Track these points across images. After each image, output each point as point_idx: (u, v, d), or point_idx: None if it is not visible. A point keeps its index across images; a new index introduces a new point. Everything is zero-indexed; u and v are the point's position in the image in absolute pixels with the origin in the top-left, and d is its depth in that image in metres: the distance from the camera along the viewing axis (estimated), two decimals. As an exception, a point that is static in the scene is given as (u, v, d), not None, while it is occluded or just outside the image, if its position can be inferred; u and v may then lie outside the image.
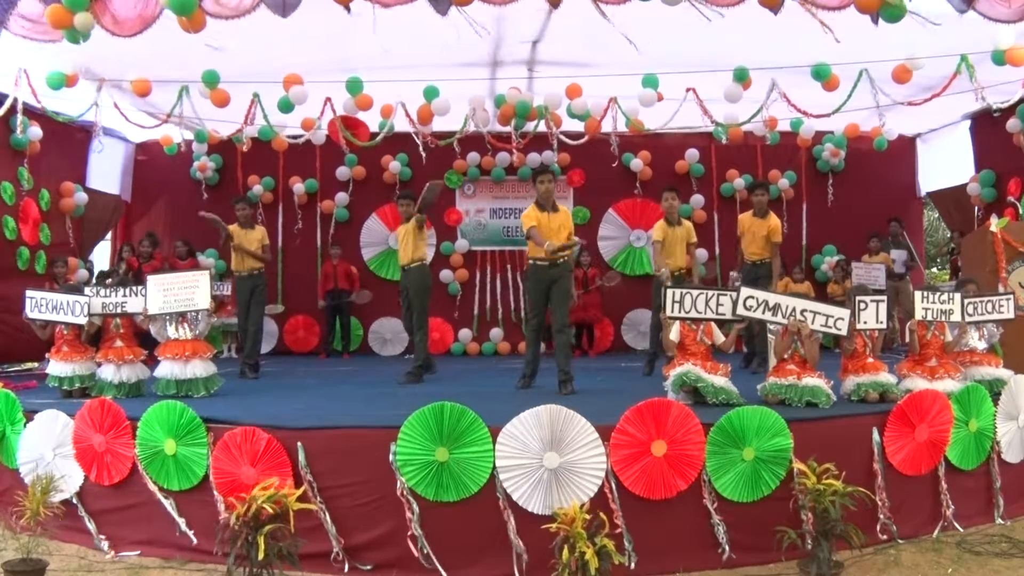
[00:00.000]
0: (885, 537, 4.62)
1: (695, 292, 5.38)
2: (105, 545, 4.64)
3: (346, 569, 4.28)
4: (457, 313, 11.08)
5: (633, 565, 4.21)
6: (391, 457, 4.26)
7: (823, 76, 7.13)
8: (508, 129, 8.48)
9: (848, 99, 7.33)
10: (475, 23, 5.56)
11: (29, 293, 6.13)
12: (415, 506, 4.23)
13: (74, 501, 4.78)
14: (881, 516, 4.61)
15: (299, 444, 4.34)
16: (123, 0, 5.51)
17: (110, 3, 5.51)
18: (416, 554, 4.20)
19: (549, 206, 6.21)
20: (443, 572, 4.23)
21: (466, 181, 11.16)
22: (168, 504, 4.54)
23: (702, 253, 10.91)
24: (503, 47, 7.56)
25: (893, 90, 7.34)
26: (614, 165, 10.44)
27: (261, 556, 3.71)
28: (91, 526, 4.73)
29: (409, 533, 4.22)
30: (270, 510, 3.86)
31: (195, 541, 4.48)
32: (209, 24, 5.51)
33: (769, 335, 5.75)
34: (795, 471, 4.34)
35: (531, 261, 6.35)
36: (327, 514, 4.28)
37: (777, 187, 11.10)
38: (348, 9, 5.34)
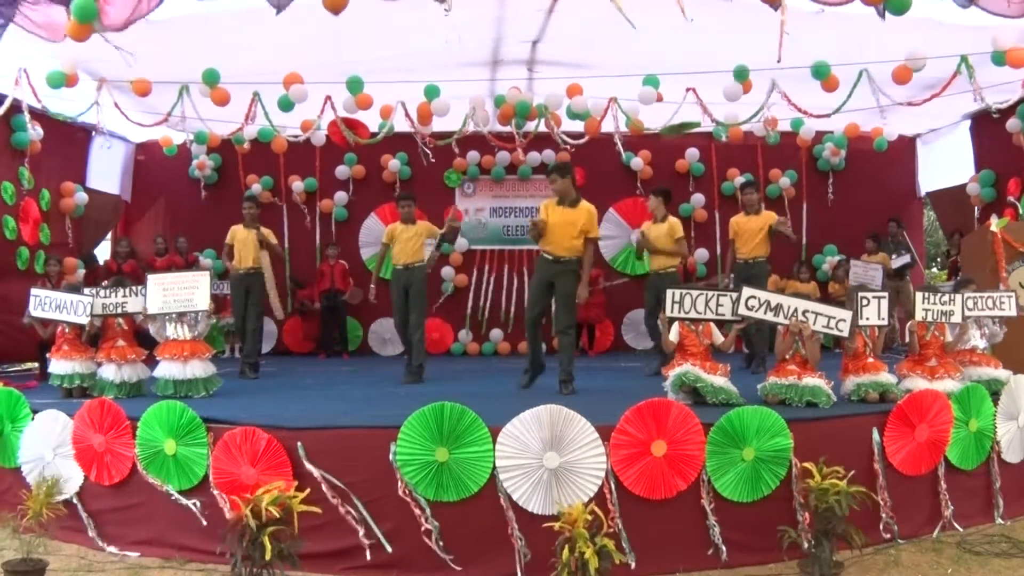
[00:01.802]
0: (888, 536, 4.61)
1: (695, 292, 5.39)
2: (108, 545, 4.64)
3: (368, 557, 4.26)
4: (457, 313, 11.07)
5: (633, 564, 4.20)
6: (391, 457, 4.26)
7: (823, 75, 7.13)
8: (508, 129, 8.49)
9: (848, 99, 7.33)
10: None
11: (33, 291, 6.15)
12: (422, 501, 4.23)
13: (74, 501, 4.78)
14: (883, 515, 4.60)
15: (299, 444, 4.34)
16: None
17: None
18: (432, 547, 4.21)
19: (567, 202, 6.26)
20: (450, 568, 4.24)
21: (465, 180, 11.16)
22: (173, 496, 4.53)
23: (701, 253, 10.95)
24: (503, 47, 7.56)
25: (893, 90, 7.34)
26: (623, 162, 10.47)
27: (269, 557, 3.70)
28: (91, 525, 4.73)
29: (423, 528, 4.22)
30: (275, 512, 3.86)
31: (202, 522, 4.48)
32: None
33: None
34: (800, 470, 4.34)
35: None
36: (344, 508, 4.27)
37: (778, 186, 11.12)
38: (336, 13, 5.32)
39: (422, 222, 7.71)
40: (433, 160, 8.48)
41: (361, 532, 4.26)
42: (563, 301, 6.23)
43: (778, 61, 5.31)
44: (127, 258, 9.52)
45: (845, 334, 5.20)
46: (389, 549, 4.25)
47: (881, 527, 4.61)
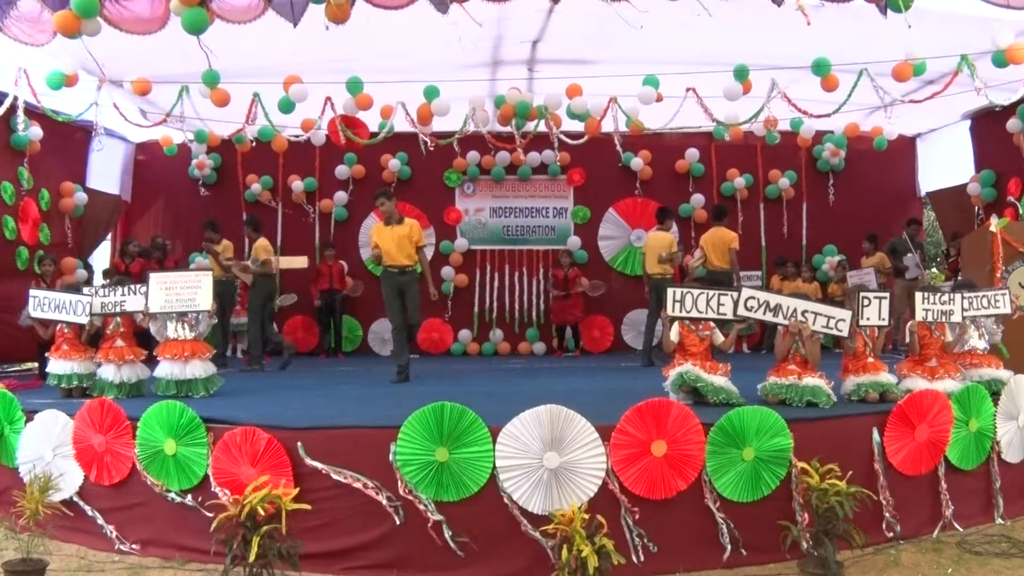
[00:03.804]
0: (891, 535, 4.60)
1: (695, 292, 5.39)
2: (113, 534, 4.64)
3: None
4: (457, 313, 11.07)
5: (643, 559, 4.20)
6: (391, 457, 4.26)
7: (823, 71, 7.13)
8: (508, 129, 8.49)
9: (848, 98, 7.33)
10: (474, 19, 5.56)
11: (32, 292, 6.13)
12: (424, 498, 4.23)
13: (75, 500, 4.78)
14: (887, 515, 4.60)
15: (299, 444, 4.34)
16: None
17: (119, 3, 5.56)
18: (439, 541, 4.21)
19: (394, 221, 7.19)
20: (450, 567, 4.23)
21: (466, 180, 11.16)
22: (170, 497, 4.52)
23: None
24: (503, 47, 7.56)
25: (894, 88, 7.34)
26: (619, 165, 10.47)
27: (252, 558, 3.69)
28: (99, 520, 4.70)
29: (429, 524, 4.21)
30: (262, 511, 3.85)
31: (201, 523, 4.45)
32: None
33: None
34: (798, 470, 4.33)
35: (383, 268, 7.27)
36: (364, 480, 4.27)
37: (777, 187, 11.14)
38: (327, 28, 5.39)
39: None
40: (432, 148, 8.47)
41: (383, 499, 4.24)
42: (413, 303, 7.23)
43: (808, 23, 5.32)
44: (135, 258, 9.52)
45: (844, 334, 5.20)
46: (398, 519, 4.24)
47: (884, 526, 4.60)
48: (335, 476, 4.26)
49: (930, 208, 12.07)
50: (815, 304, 5.31)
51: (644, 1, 5.46)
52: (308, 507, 4.14)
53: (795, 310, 5.20)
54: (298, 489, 4.18)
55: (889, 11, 5.48)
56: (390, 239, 7.18)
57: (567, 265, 10.52)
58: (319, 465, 4.28)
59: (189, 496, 4.49)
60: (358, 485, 4.25)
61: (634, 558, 4.20)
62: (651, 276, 8.76)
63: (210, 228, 9.11)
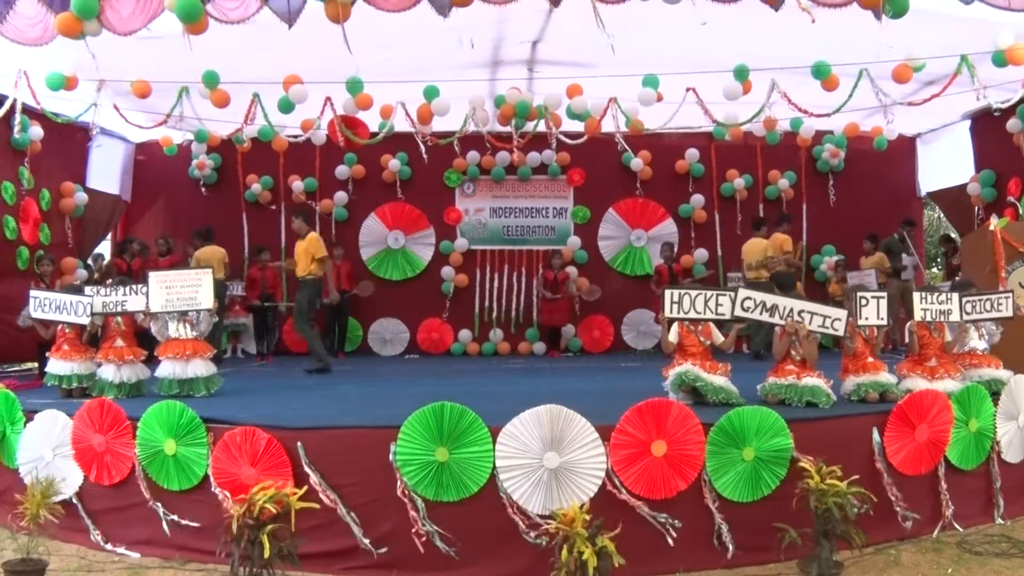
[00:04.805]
0: (908, 524, 4.61)
1: (694, 292, 5.39)
2: (102, 540, 4.65)
3: (367, 557, 4.26)
4: (457, 313, 11.07)
5: (672, 539, 4.24)
6: (391, 457, 4.26)
7: (823, 74, 7.13)
8: (508, 129, 8.49)
9: (849, 99, 7.33)
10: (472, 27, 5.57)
11: (33, 293, 6.12)
12: (419, 502, 4.23)
13: (74, 501, 4.77)
14: (898, 509, 4.61)
15: (299, 444, 4.34)
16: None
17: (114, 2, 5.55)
18: (422, 549, 4.20)
19: (300, 236, 8.21)
20: (450, 567, 4.23)
21: (466, 180, 11.15)
22: (159, 508, 4.55)
23: (701, 253, 10.93)
24: (503, 47, 7.56)
25: (894, 89, 7.33)
26: (620, 161, 10.45)
27: (267, 555, 3.70)
28: (90, 525, 4.72)
29: (414, 530, 4.21)
30: (272, 510, 3.86)
31: (195, 533, 4.48)
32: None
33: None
34: (799, 470, 4.34)
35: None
36: (343, 508, 4.27)
37: (777, 187, 11.13)
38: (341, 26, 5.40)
39: None
40: (431, 145, 8.48)
41: (359, 532, 4.26)
42: (295, 308, 8.34)
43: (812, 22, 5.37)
44: (135, 256, 9.52)
45: (840, 333, 5.20)
46: (375, 553, 4.25)
47: (890, 526, 4.60)
48: (322, 496, 4.26)
49: (930, 208, 12.06)
50: (811, 304, 5.31)
51: (643, 3, 5.47)
52: (316, 506, 4.15)
53: (791, 310, 5.21)
54: (305, 488, 4.19)
55: (884, 17, 5.47)
56: (297, 251, 8.21)
57: (557, 267, 10.51)
58: (316, 482, 4.29)
59: (186, 520, 4.51)
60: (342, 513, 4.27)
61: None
62: (747, 280, 9.24)
63: (195, 236, 9.64)
